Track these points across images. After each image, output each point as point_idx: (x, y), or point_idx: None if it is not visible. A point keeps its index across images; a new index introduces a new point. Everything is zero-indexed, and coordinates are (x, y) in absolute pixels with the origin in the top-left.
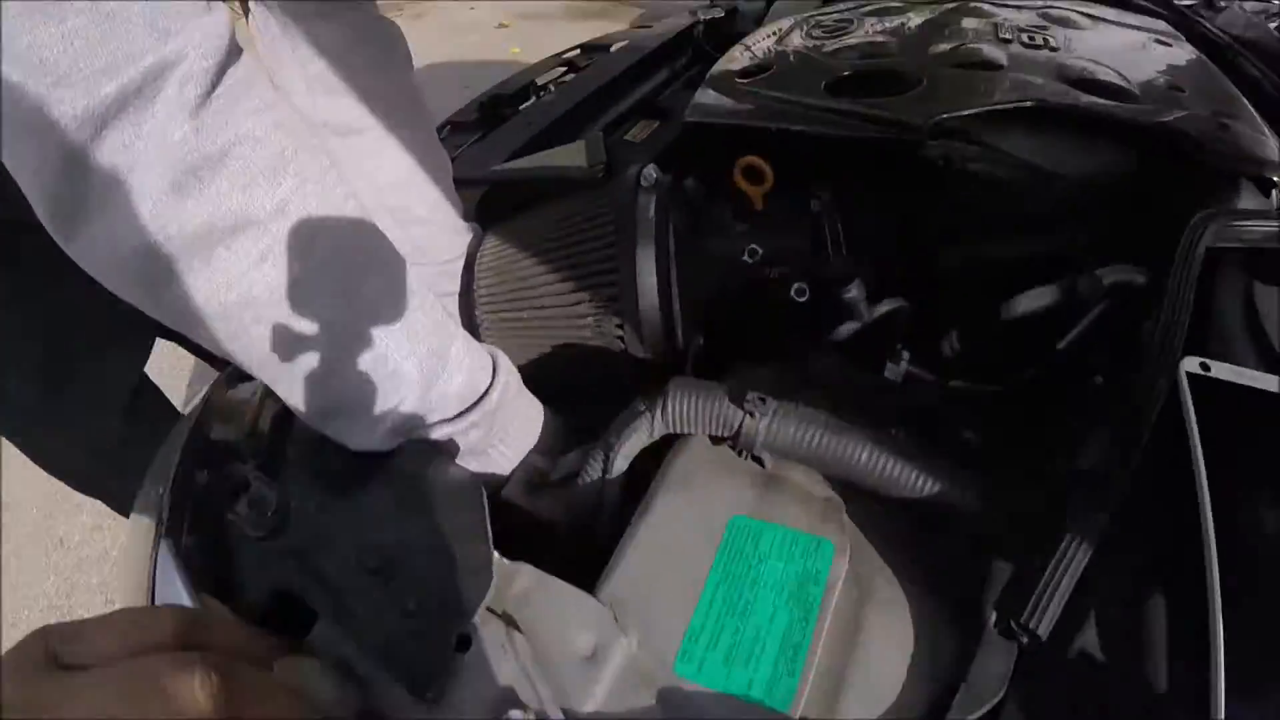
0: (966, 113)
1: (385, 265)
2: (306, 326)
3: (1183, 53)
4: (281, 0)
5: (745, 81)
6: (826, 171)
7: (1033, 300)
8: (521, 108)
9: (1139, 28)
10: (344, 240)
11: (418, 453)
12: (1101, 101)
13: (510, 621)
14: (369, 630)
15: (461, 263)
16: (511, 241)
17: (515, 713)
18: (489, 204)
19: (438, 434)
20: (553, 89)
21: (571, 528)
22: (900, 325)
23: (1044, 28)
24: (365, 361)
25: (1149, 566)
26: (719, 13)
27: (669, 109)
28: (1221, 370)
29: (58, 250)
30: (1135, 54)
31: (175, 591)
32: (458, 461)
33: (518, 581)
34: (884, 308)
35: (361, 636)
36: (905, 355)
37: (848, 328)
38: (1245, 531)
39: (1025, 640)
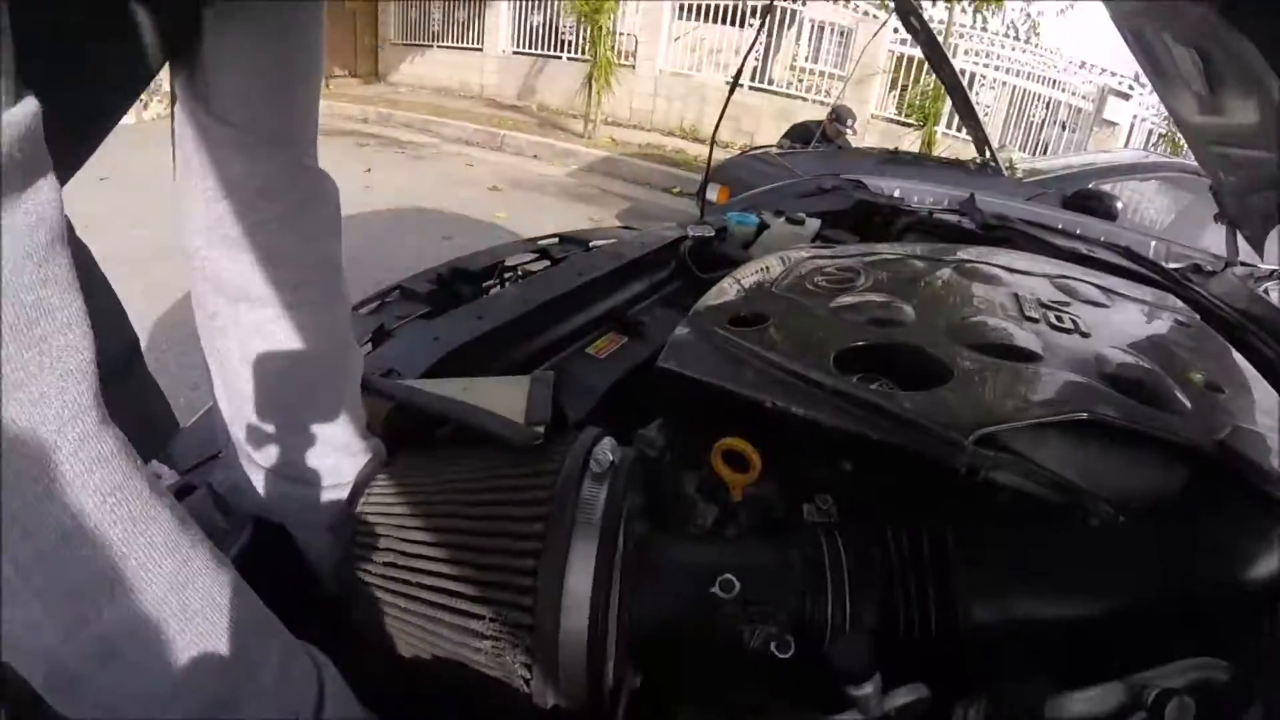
0: (1015, 426)
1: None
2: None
3: (1206, 338)
4: (199, 115)
5: (737, 332)
6: (826, 466)
7: (1092, 703)
8: (485, 284)
9: (1152, 303)
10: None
11: None
12: (1159, 417)
13: None
14: None
15: (345, 491)
16: (407, 491)
17: None
18: (398, 422)
19: None
20: (519, 273)
21: None
22: (917, 716)
23: (1065, 304)
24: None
25: None
26: (708, 231)
27: (640, 325)
28: None
29: None
30: (1162, 340)
31: None
32: None
33: None
34: (901, 699)
35: None
36: None
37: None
38: None
39: None
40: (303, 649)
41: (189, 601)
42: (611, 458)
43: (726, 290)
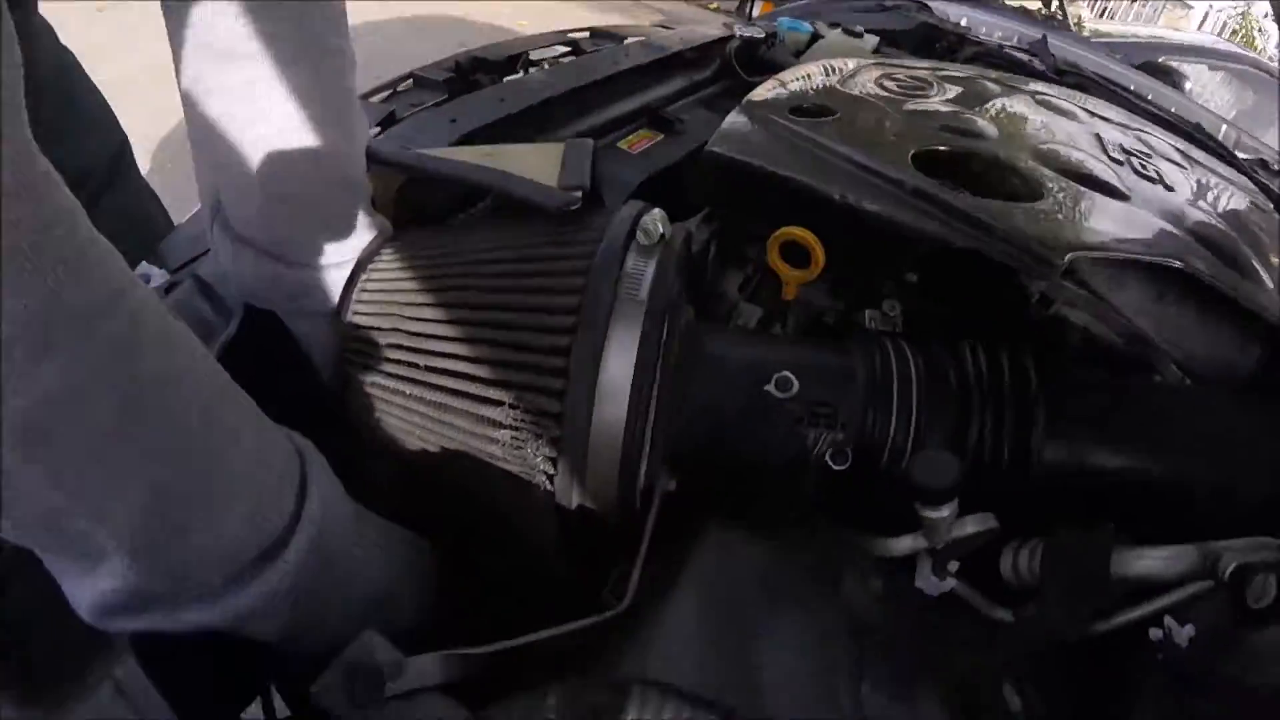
0: (1112, 256)
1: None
2: None
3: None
4: None
5: (801, 122)
6: (891, 273)
7: (1159, 563)
8: (505, 79)
9: (1228, 178)
10: None
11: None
12: (1246, 285)
13: None
14: None
15: (346, 271)
16: (417, 265)
17: None
18: (411, 197)
19: (187, 619)
20: (545, 68)
21: None
22: (971, 546)
23: (1147, 155)
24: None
25: None
26: (758, 33)
27: (678, 123)
28: None
29: None
30: (1241, 215)
31: None
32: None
33: None
34: (970, 528)
35: None
36: (953, 568)
37: (907, 544)
38: None
39: None
40: (283, 435)
41: (138, 370)
42: (662, 230)
43: (784, 83)
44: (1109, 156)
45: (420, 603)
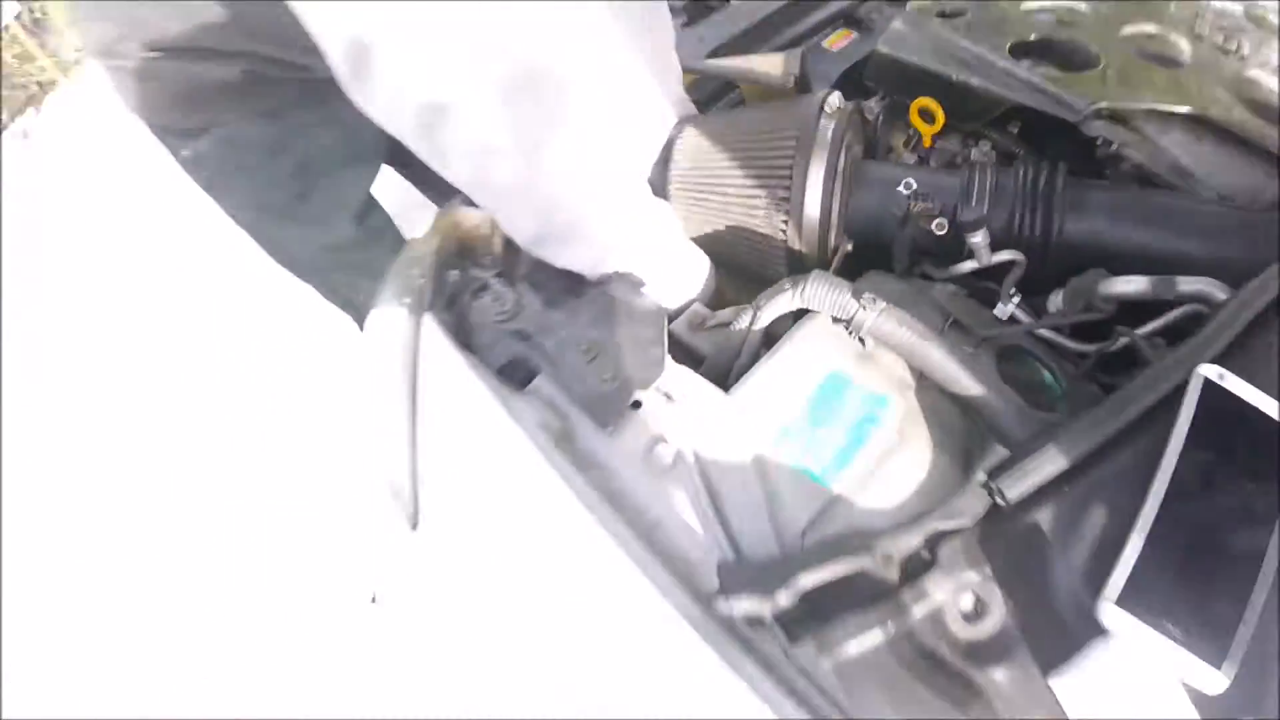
0: (1124, 106)
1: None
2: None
3: None
4: None
5: (939, 22)
6: (992, 124)
7: (1126, 285)
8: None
9: None
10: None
11: (616, 282)
12: (1255, 122)
13: (668, 398)
14: (575, 386)
15: (668, 132)
16: (709, 134)
17: (661, 446)
18: (691, 94)
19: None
20: None
21: (717, 360)
22: (1015, 274)
23: (1242, 30)
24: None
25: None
26: None
27: (866, 21)
28: (1233, 383)
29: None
30: None
31: (439, 348)
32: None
33: (676, 376)
34: (1002, 256)
35: (570, 390)
36: (1015, 298)
37: (967, 265)
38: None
39: (998, 499)
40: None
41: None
42: (838, 104)
43: None
44: (1192, 33)
45: (714, 288)
